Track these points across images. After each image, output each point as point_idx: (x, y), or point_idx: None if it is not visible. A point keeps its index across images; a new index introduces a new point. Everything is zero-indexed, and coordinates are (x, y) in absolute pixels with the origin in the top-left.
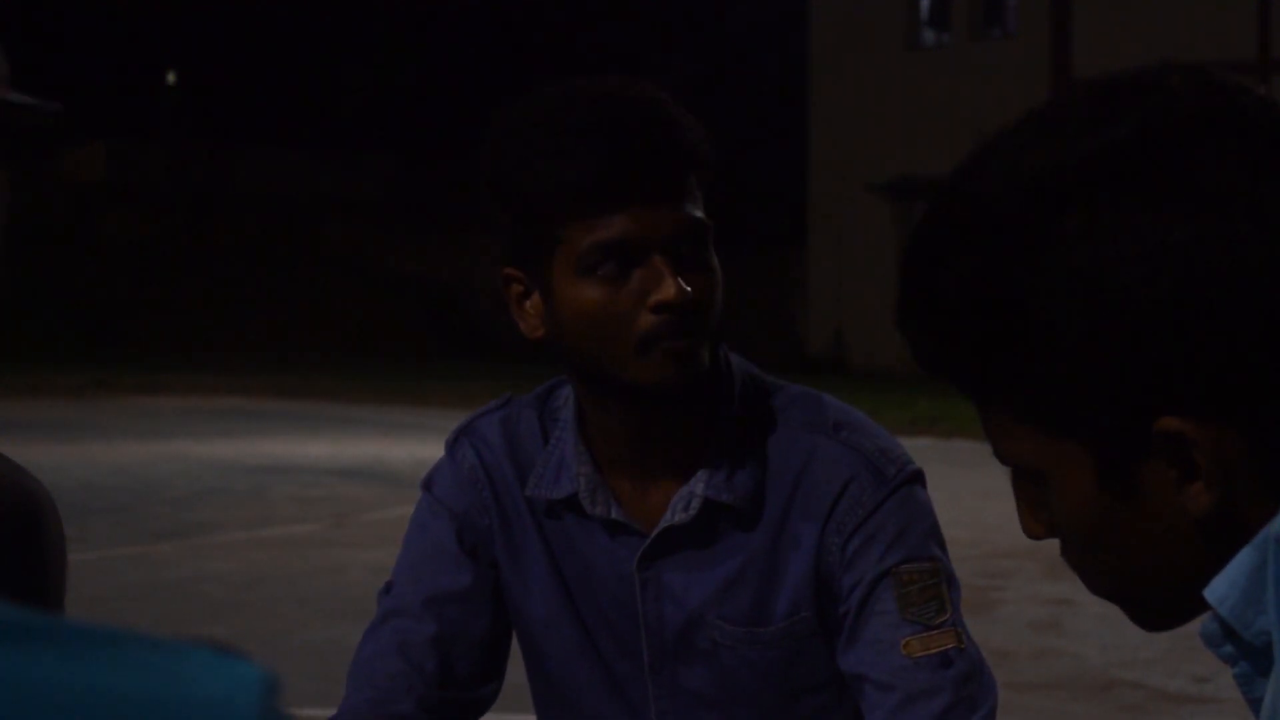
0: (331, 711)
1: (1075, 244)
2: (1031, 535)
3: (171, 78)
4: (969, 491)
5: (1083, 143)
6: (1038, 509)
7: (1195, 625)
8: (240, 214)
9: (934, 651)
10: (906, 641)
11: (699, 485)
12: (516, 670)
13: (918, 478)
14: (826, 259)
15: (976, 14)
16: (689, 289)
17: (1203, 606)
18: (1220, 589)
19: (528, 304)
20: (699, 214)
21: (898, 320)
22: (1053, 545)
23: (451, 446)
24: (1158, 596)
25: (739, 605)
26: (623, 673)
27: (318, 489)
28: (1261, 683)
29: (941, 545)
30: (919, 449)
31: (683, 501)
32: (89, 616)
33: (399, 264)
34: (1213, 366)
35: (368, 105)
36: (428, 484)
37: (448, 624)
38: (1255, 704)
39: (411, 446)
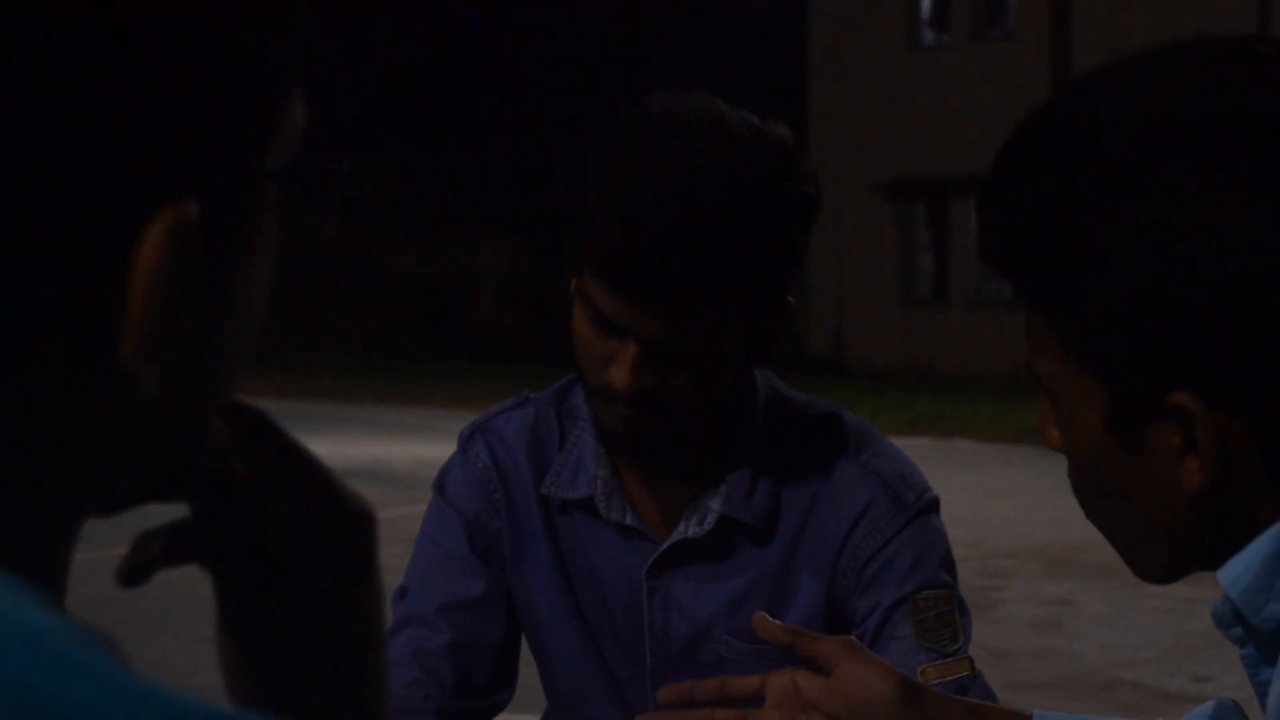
0: None
1: (1160, 198)
2: (1049, 444)
3: None
4: (969, 491)
5: (1205, 100)
6: (1055, 424)
7: (1194, 626)
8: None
9: (950, 679)
10: (923, 669)
11: (715, 500)
12: (524, 671)
13: (934, 505)
14: (826, 259)
15: (976, 14)
16: (638, 386)
17: (1193, 570)
18: (1233, 572)
19: (573, 283)
20: (699, 326)
21: (980, 203)
22: (1053, 545)
23: (465, 443)
24: (1147, 550)
25: (747, 621)
26: (625, 679)
27: None
28: (1267, 669)
29: (953, 573)
30: (919, 449)
31: (698, 515)
32: (89, 616)
33: (399, 264)
34: (1242, 361)
35: (368, 104)
36: (439, 485)
37: (462, 631)
38: (1260, 688)
39: (411, 446)
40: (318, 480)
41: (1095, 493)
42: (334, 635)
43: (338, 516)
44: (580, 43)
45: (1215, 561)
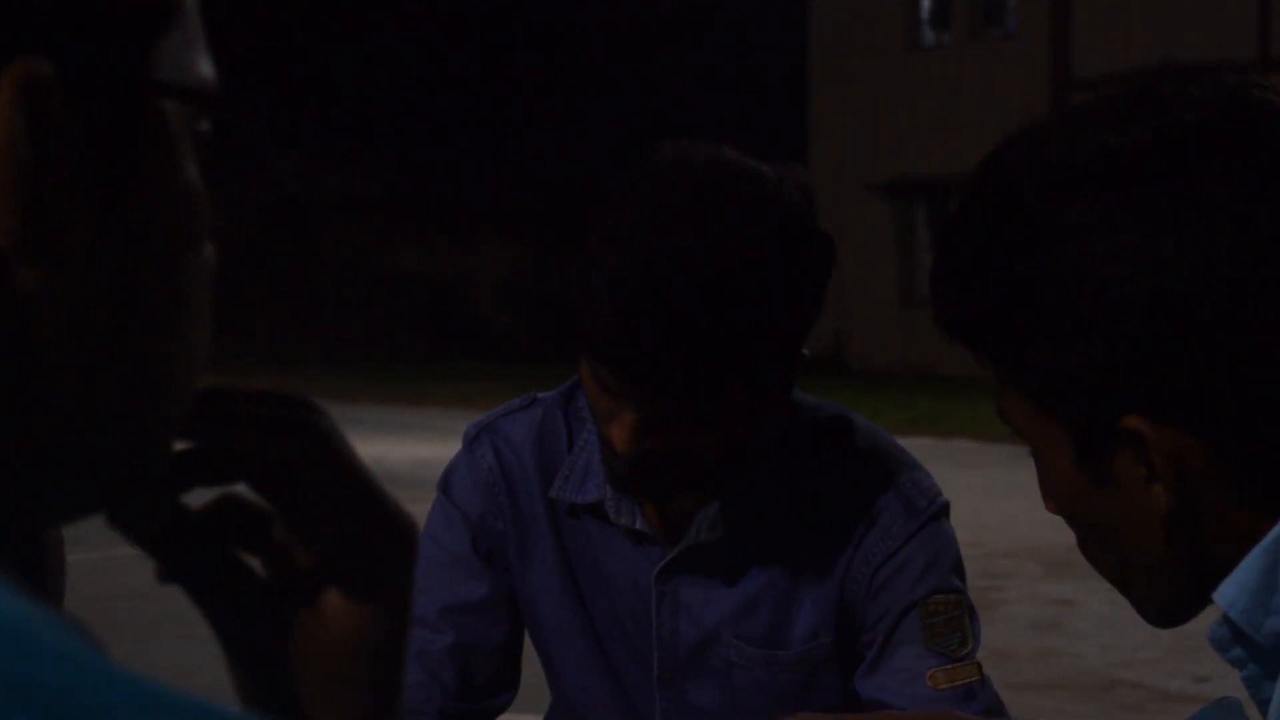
0: None
1: (1070, 237)
2: (1048, 509)
3: None
4: (969, 491)
5: (1100, 141)
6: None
7: (1194, 626)
8: (240, 213)
9: (959, 684)
10: (932, 673)
11: (726, 505)
12: (525, 671)
13: (945, 511)
14: None
15: (976, 14)
16: (637, 450)
17: (1202, 602)
18: (1230, 593)
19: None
20: (701, 402)
21: (930, 281)
22: (1053, 545)
23: (471, 443)
24: (1150, 587)
25: (757, 626)
26: (631, 683)
27: None
28: (1270, 685)
29: (963, 577)
30: (919, 449)
31: (708, 520)
32: (89, 616)
33: (399, 264)
34: (1177, 375)
35: (368, 105)
36: (444, 485)
37: (465, 633)
38: (1263, 705)
39: (411, 446)
40: (371, 497)
41: (1085, 539)
42: (355, 649)
43: (382, 534)
44: (581, 43)
45: (1210, 591)
